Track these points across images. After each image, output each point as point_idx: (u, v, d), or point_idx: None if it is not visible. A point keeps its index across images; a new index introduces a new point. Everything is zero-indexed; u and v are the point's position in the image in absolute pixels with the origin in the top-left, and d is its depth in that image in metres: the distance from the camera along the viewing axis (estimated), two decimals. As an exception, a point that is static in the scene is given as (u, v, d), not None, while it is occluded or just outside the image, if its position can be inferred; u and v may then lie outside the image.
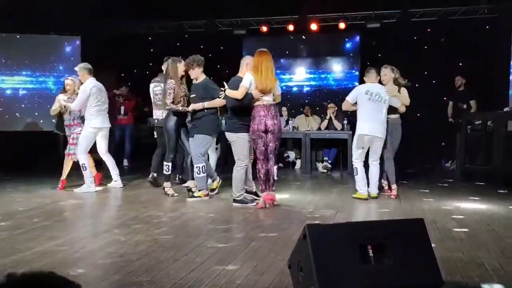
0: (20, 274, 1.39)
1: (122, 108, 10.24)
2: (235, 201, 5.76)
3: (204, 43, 12.17)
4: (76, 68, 7.02)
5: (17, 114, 11.02)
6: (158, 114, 7.06)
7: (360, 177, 6.16)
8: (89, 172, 6.77)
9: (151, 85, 7.25)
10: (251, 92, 5.50)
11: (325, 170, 9.33)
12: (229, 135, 5.81)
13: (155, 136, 7.38)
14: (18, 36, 10.86)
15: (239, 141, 5.72)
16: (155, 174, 7.13)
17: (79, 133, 6.88)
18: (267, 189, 5.59)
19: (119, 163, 10.19)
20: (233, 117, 5.75)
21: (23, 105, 11.04)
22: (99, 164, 7.42)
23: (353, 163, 6.33)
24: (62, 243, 4.00)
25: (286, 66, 12.09)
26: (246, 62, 5.87)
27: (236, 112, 5.70)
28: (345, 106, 6.37)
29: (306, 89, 12.00)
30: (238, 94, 5.53)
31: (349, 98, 6.26)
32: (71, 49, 11.33)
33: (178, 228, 4.58)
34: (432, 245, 2.73)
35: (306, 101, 11.40)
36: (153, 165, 7.18)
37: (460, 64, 10.55)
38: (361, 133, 6.12)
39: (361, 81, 11.28)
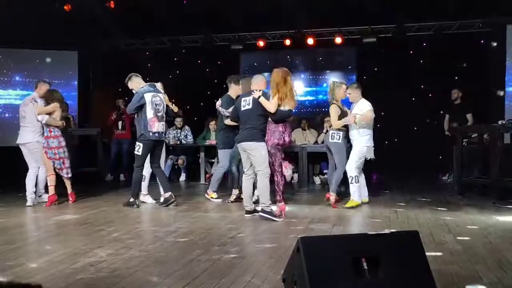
0: (6, 283, 1.37)
1: (120, 123, 10.24)
2: (263, 211, 5.65)
3: (201, 58, 12.24)
4: None
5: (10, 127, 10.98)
6: (160, 126, 6.72)
7: (358, 185, 6.56)
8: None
9: (149, 96, 6.99)
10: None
11: (322, 182, 9.38)
12: (252, 144, 5.72)
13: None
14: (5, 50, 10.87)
15: (264, 150, 5.75)
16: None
17: (58, 147, 6.78)
18: (284, 199, 5.99)
19: (116, 178, 10.24)
20: (256, 127, 5.78)
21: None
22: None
23: (351, 173, 6.50)
24: (54, 258, 3.96)
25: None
26: (263, 80, 5.91)
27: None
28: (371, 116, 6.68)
29: (303, 103, 12.03)
30: (272, 107, 5.75)
31: (371, 107, 6.64)
32: (68, 64, 11.34)
33: (172, 243, 4.54)
34: (428, 257, 2.69)
35: (303, 115, 11.40)
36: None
37: (456, 77, 10.60)
38: (366, 144, 6.55)
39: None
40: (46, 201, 6.83)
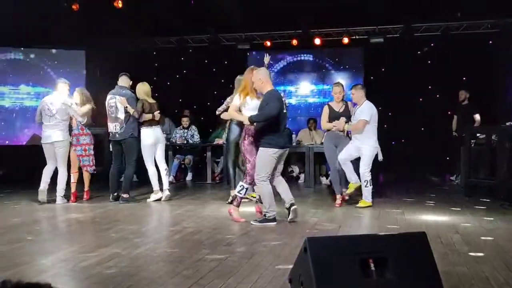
0: (15, 282, 1.37)
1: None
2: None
3: (208, 58, 12.25)
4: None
5: (20, 126, 11.03)
6: (112, 127, 7.14)
7: (371, 188, 6.60)
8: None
9: (108, 97, 7.25)
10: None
11: (329, 183, 9.34)
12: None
13: (111, 150, 7.56)
14: (22, 49, 10.94)
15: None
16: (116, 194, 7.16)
17: (89, 143, 7.16)
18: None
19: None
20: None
21: (28, 117, 11.05)
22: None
23: (366, 177, 6.54)
24: (62, 257, 3.98)
25: (291, 81, 12.13)
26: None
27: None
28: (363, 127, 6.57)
29: (310, 103, 12.01)
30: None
31: (368, 117, 6.56)
32: (76, 63, 11.38)
33: (179, 242, 4.55)
34: (435, 258, 2.68)
35: (310, 115, 11.38)
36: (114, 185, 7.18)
37: (464, 78, 10.55)
38: (375, 146, 6.61)
39: (365, 96, 11.38)
40: (65, 201, 6.95)
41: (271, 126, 5.30)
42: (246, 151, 5.60)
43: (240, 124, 6.16)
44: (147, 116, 7.04)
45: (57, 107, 6.92)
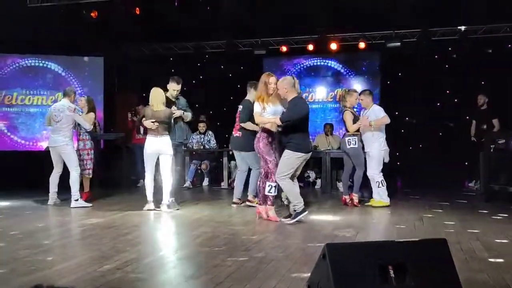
0: (46, 286, 1.40)
1: (142, 127, 10.29)
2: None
3: (224, 63, 12.29)
4: None
5: (39, 131, 11.18)
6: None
7: (385, 188, 6.91)
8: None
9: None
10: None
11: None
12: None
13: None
14: (42, 56, 11.12)
15: None
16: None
17: (92, 148, 7.71)
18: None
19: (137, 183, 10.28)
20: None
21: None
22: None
23: (377, 178, 6.89)
24: (80, 262, 4.02)
25: (307, 85, 12.11)
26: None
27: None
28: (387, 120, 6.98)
29: (326, 108, 11.98)
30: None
31: (384, 113, 6.99)
32: (95, 70, 11.52)
33: (197, 247, 4.56)
34: (455, 266, 2.65)
35: (327, 120, 11.35)
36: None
37: (482, 82, 10.43)
38: (383, 148, 6.92)
39: (382, 100, 11.32)
40: (80, 204, 7.09)
41: (300, 129, 5.60)
42: (263, 153, 5.80)
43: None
44: (146, 124, 6.75)
45: (63, 114, 7.19)
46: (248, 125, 6.82)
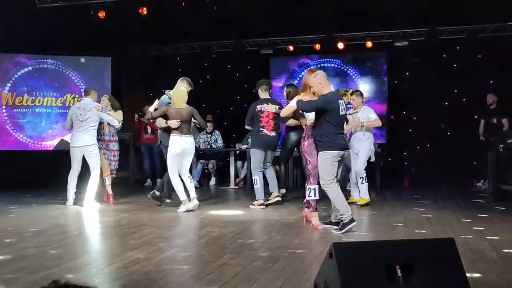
0: (64, 282, 1.41)
1: (149, 127, 10.33)
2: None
3: (231, 63, 12.31)
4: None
5: (50, 131, 11.22)
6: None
7: (367, 185, 7.10)
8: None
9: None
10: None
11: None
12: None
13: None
14: (50, 56, 11.17)
15: None
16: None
17: (118, 150, 7.61)
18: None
19: (155, 183, 10.25)
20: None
21: (54, 123, 11.25)
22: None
23: (362, 174, 7.04)
24: (89, 260, 4.04)
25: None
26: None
27: None
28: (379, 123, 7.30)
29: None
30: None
31: (376, 116, 7.25)
32: (102, 70, 11.56)
33: (203, 247, 4.57)
34: (463, 265, 2.63)
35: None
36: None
37: (491, 82, 10.37)
38: (371, 148, 7.28)
39: (389, 100, 11.28)
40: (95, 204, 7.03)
41: (327, 127, 5.14)
42: (305, 152, 5.46)
43: (298, 132, 6.54)
44: (170, 124, 6.65)
45: (90, 112, 7.08)
46: (291, 122, 6.48)
